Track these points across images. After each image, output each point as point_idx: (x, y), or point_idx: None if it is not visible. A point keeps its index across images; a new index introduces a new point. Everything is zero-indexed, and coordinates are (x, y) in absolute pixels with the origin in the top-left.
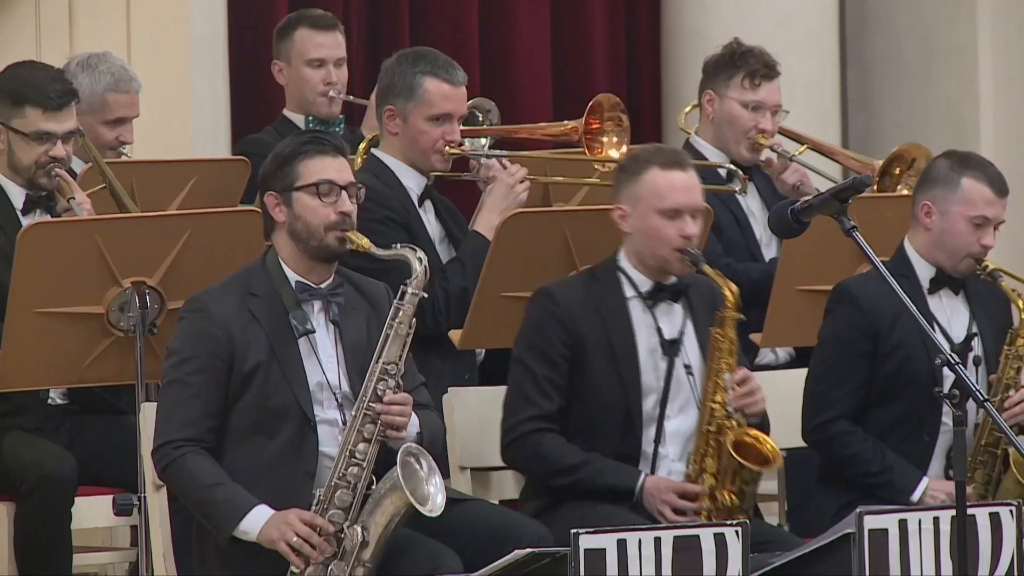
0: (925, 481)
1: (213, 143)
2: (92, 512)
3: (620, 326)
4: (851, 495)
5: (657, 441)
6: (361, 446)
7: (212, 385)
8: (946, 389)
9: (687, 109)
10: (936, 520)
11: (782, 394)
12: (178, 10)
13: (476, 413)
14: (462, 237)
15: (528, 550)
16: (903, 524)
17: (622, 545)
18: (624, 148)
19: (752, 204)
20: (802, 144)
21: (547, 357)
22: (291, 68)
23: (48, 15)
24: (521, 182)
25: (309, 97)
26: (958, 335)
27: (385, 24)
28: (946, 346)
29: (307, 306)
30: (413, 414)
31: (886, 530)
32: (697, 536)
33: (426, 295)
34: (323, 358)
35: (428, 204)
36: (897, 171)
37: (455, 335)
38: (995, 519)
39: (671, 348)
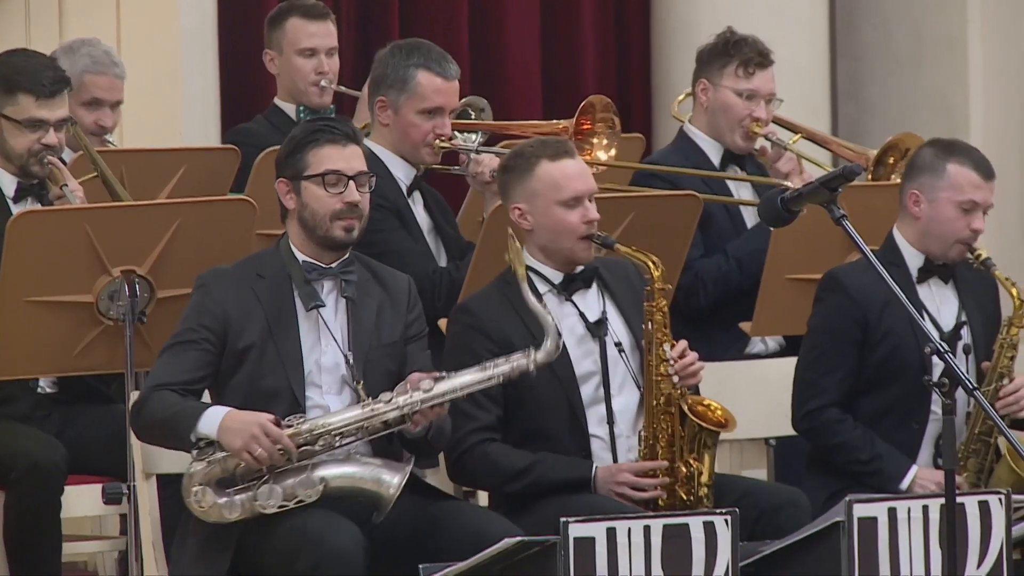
0: (914, 470)
1: (203, 133)
2: (81, 501)
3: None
4: (840, 483)
5: (611, 422)
6: (378, 425)
7: (201, 355)
8: (935, 377)
9: (680, 97)
10: (925, 508)
11: (772, 383)
12: (167, 0)
13: None
14: (449, 229)
15: (517, 538)
16: (892, 512)
17: (611, 533)
18: (613, 151)
19: (744, 194)
20: (796, 133)
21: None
22: (282, 57)
23: (38, 7)
24: None
25: (300, 86)
26: (947, 324)
27: (375, 14)
28: (935, 335)
29: (316, 284)
30: None
31: (875, 518)
32: (687, 524)
33: (533, 369)
34: (328, 336)
35: (417, 195)
36: (891, 160)
37: (443, 323)
38: (984, 508)
39: (598, 329)
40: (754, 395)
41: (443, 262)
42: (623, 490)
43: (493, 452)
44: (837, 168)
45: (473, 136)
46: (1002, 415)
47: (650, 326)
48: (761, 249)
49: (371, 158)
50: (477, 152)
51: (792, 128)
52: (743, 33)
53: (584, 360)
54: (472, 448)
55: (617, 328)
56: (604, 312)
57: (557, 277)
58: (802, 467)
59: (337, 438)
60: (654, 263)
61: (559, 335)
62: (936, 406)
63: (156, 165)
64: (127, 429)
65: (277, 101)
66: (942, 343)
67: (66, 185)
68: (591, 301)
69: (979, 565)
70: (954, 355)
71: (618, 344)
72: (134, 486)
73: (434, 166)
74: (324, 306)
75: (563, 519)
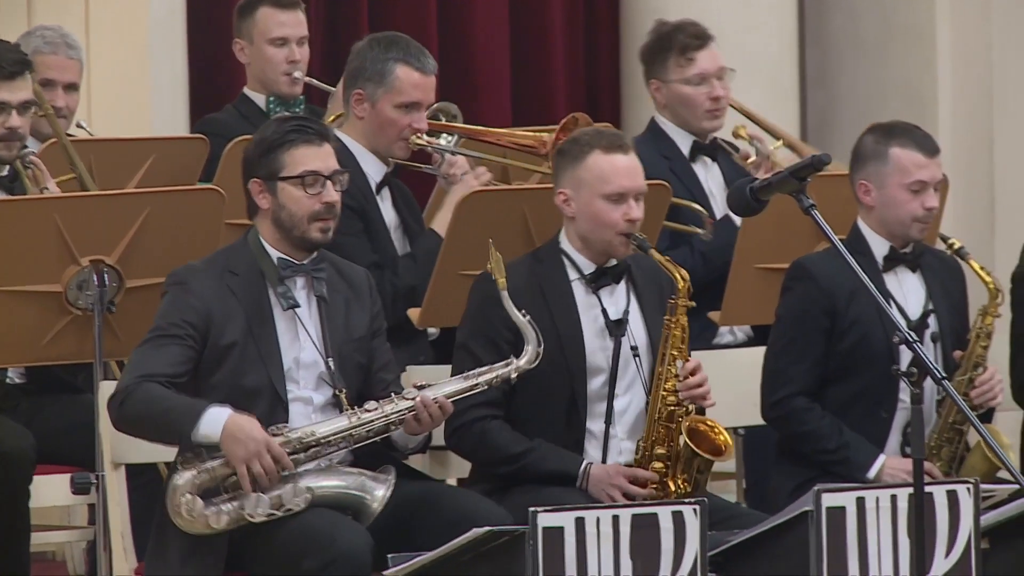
0: (881, 459)
1: (172, 122)
2: (50, 490)
3: (565, 309)
4: (809, 472)
5: (608, 422)
6: (364, 434)
7: (184, 351)
8: (904, 366)
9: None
10: (894, 498)
11: (741, 373)
12: None
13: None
14: (417, 227)
15: (486, 528)
16: (861, 502)
17: (580, 523)
18: None
19: (713, 184)
20: (778, 139)
21: (492, 343)
22: (253, 46)
23: None
24: (486, 186)
25: (271, 76)
26: (914, 312)
27: (343, 6)
28: (903, 323)
29: (290, 283)
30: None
31: (844, 508)
32: (655, 514)
33: (515, 378)
34: (304, 334)
35: (386, 192)
36: None
37: (413, 314)
38: (952, 497)
39: (617, 329)
40: (723, 385)
41: None
42: (615, 492)
43: (492, 431)
44: (806, 157)
45: (450, 137)
46: (976, 404)
47: (667, 340)
48: (728, 244)
49: (342, 151)
50: (453, 153)
51: (774, 134)
52: (673, 20)
53: (597, 355)
54: (473, 423)
55: (637, 329)
56: (627, 311)
57: (588, 268)
58: (771, 457)
59: (325, 448)
60: (683, 277)
61: (540, 344)
62: (904, 394)
63: (125, 154)
64: (96, 419)
65: (246, 91)
66: (911, 333)
67: (47, 188)
68: (617, 298)
69: (947, 554)
70: (922, 343)
71: (634, 348)
72: (103, 476)
73: (405, 162)
74: (299, 306)
75: (532, 509)
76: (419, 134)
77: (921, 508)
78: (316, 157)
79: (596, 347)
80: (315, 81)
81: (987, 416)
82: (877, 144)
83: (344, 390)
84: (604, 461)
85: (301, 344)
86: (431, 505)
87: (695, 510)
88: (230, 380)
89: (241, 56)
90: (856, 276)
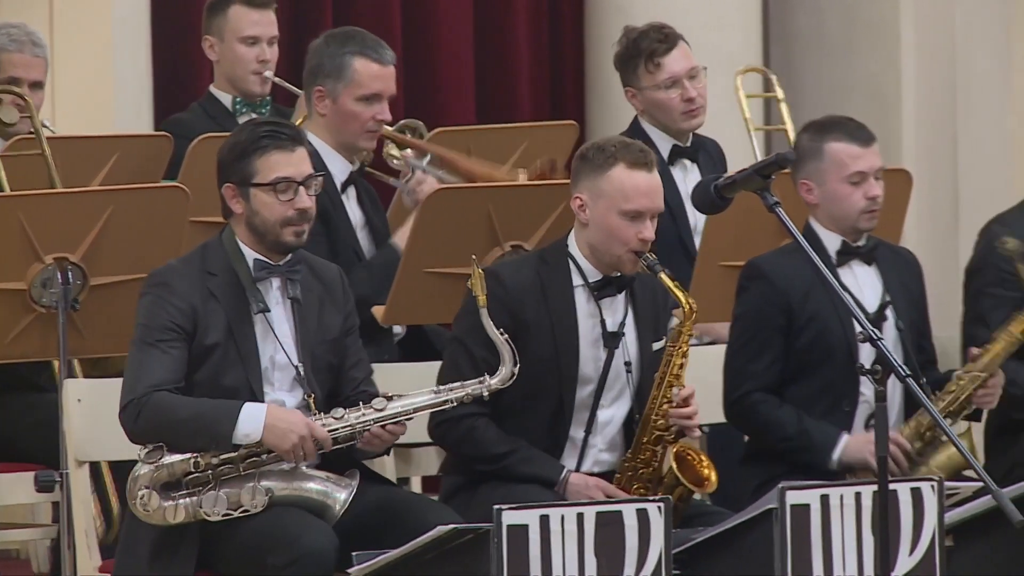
0: (844, 437)
1: (136, 120)
2: (13, 488)
3: (565, 314)
4: (774, 470)
5: (588, 431)
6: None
7: (183, 355)
8: (866, 360)
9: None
10: (858, 495)
11: (704, 370)
12: None
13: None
14: (382, 226)
15: (451, 526)
16: (825, 499)
17: (545, 521)
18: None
19: (691, 187)
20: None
21: (488, 341)
22: (223, 44)
23: None
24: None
25: (240, 74)
26: (871, 304)
27: (307, 6)
28: (863, 318)
29: (264, 284)
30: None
31: (808, 505)
32: (620, 512)
33: (487, 396)
34: (279, 336)
35: (351, 190)
36: None
37: (378, 311)
38: (917, 494)
39: (612, 341)
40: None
41: None
42: None
43: (479, 431)
44: (770, 155)
45: (426, 157)
46: (976, 405)
47: (668, 364)
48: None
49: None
50: (424, 171)
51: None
52: (640, 25)
53: (589, 364)
54: (461, 418)
55: (631, 344)
56: (623, 324)
57: (594, 275)
58: (735, 455)
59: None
60: (691, 306)
61: (516, 363)
62: (865, 387)
63: (89, 152)
64: (60, 417)
65: (212, 89)
66: (875, 330)
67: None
68: (616, 309)
69: (911, 552)
70: (881, 336)
71: (627, 363)
72: (66, 474)
73: (369, 169)
74: (269, 311)
75: (496, 506)
76: (384, 123)
77: (885, 506)
78: (288, 163)
79: (589, 356)
80: (284, 83)
81: (976, 415)
82: (812, 141)
83: (313, 395)
84: (578, 469)
85: (275, 346)
86: (395, 512)
87: (659, 508)
88: (210, 380)
89: (211, 53)
90: (810, 274)
